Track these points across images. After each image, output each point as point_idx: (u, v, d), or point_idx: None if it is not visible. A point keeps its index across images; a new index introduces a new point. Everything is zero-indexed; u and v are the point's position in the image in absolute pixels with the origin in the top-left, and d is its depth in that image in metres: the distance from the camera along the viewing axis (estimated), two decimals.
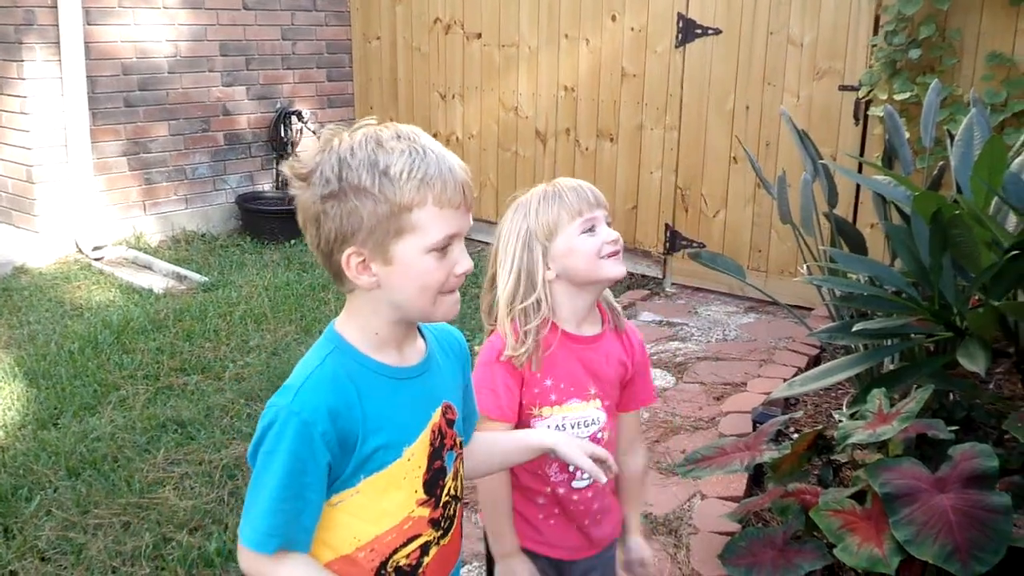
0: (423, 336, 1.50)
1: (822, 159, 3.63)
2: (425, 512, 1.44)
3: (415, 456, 1.42)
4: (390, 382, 1.40)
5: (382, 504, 1.39)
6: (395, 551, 1.41)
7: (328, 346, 1.39)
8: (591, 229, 1.81)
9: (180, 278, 5.38)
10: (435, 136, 6.25)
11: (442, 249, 1.35)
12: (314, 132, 6.82)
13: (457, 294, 1.40)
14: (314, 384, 1.34)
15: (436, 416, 1.45)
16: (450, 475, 1.48)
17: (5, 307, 4.84)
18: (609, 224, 1.86)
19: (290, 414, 1.30)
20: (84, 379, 3.94)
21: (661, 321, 4.95)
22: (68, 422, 3.59)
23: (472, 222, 1.41)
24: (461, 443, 1.52)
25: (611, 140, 5.71)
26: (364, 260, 1.34)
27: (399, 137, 1.34)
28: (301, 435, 1.30)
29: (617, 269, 1.84)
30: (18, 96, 5.63)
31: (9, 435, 3.50)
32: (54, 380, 3.93)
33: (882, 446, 2.68)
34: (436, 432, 1.45)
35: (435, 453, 1.45)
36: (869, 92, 4.60)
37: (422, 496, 1.43)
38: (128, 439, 3.44)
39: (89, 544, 2.83)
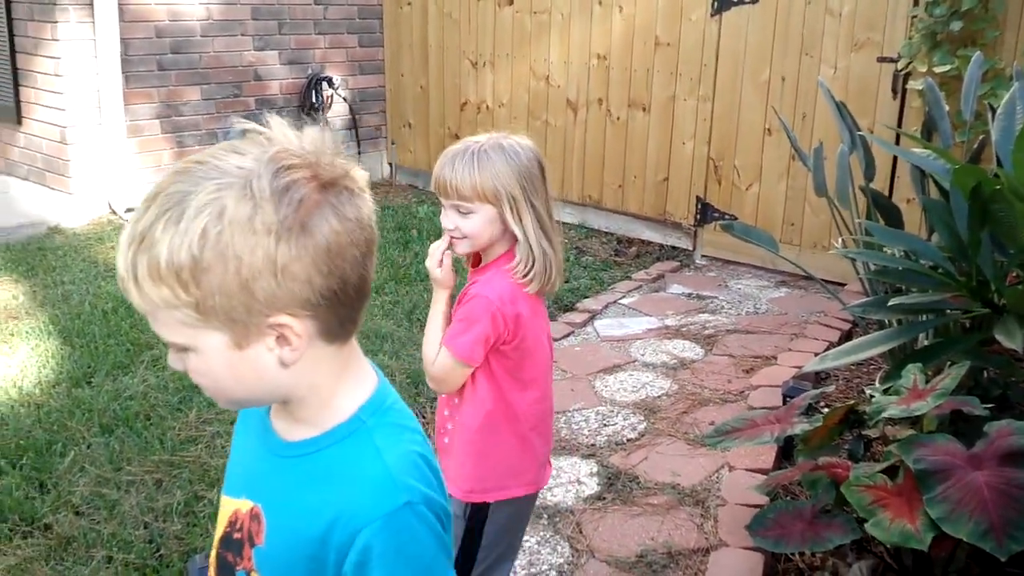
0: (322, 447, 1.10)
1: (860, 131, 3.58)
2: None
3: (220, 513, 1.19)
4: (258, 426, 1.18)
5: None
6: None
7: None
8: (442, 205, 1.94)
9: None
10: (464, 104, 6.24)
11: None
12: (344, 99, 6.81)
13: None
14: None
15: (243, 504, 1.14)
16: None
17: (40, 266, 4.90)
18: (465, 213, 1.88)
19: None
20: (117, 338, 3.99)
21: (691, 294, 4.93)
22: (101, 380, 3.64)
23: None
24: None
25: (643, 110, 5.65)
26: None
27: None
28: None
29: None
30: (52, 57, 5.65)
31: (44, 392, 3.55)
32: (88, 339, 3.98)
33: (915, 422, 2.66)
34: (236, 522, 1.14)
35: (226, 541, 1.16)
36: (908, 64, 4.52)
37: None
38: (161, 398, 3.49)
39: (122, 500, 2.87)
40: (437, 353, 1.89)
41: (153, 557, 2.62)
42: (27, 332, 4.05)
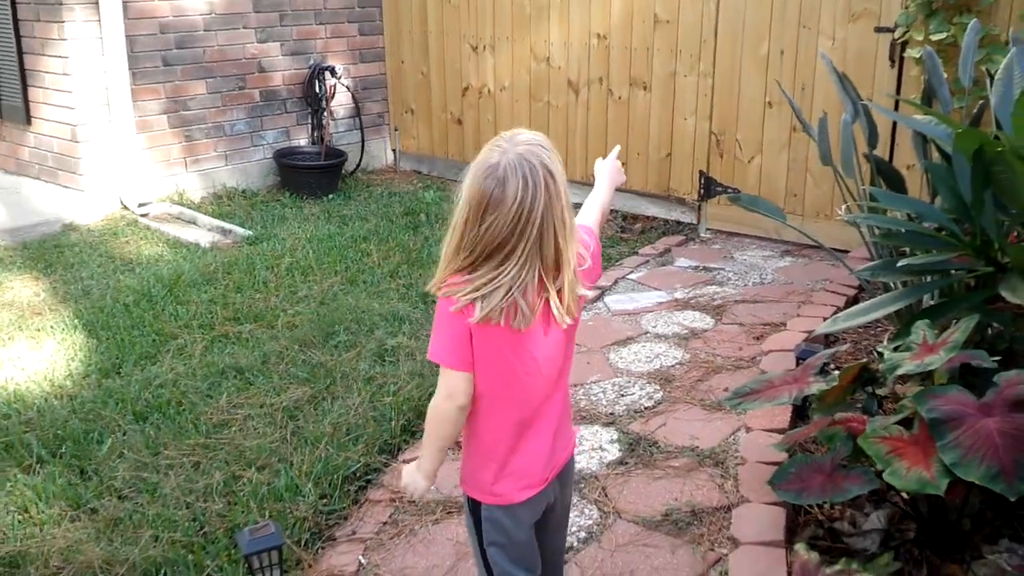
0: None
1: (862, 100, 3.67)
2: None
3: None
4: None
5: None
6: None
7: None
8: None
9: (225, 232, 5.50)
10: (466, 89, 6.36)
11: None
12: (347, 87, 6.88)
13: None
14: None
15: None
16: None
17: (58, 263, 4.99)
18: None
19: None
20: (142, 330, 4.08)
21: (697, 266, 5.02)
22: (130, 370, 3.74)
23: None
24: None
25: (644, 88, 5.73)
26: None
27: None
28: None
29: None
30: (60, 57, 5.72)
31: (76, 383, 3.65)
32: (113, 331, 4.07)
33: (924, 379, 2.76)
34: None
35: None
36: (905, 34, 4.59)
37: None
38: (190, 385, 3.59)
39: (163, 483, 2.98)
40: None
41: (198, 535, 2.73)
42: (52, 327, 4.15)
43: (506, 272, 1.72)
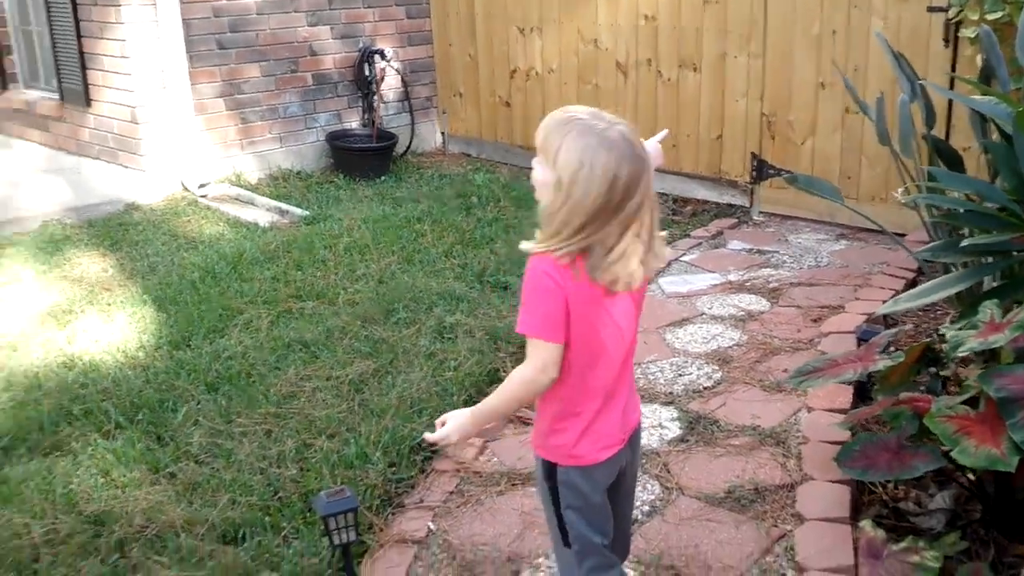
0: None
1: (920, 80, 3.66)
2: None
3: None
4: None
5: None
6: None
7: None
8: None
9: (282, 212, 5.61)
10: (514, 72, 6.37)
11: None
12: (397, 70, 6.95)
13: None
14: None
15: None
16: None
17: (123, 241, 5.13)
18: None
19: None
20: (209, 305, 4.20)
21: (751, 249, 5.04)
22: (200, 343, 3.85)
23: None
24: None
25: (694, 69, 5.73)
26: None
27: None
28: None
29: None
30: (118, 40, 5.85)
31: (148, 355, 3.77)
32: (181, 306, 4.19)
33: (987, 361, 2.78)
34: None
35: None
36: (959, 13, 4.56)
37: None
38: (258, 357, 3.69)
39: (237, 449, 3.08)
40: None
41: (273, 499, 2.83)
42: (122, 302, 4.27)
43: (628, 239, 1.79)
